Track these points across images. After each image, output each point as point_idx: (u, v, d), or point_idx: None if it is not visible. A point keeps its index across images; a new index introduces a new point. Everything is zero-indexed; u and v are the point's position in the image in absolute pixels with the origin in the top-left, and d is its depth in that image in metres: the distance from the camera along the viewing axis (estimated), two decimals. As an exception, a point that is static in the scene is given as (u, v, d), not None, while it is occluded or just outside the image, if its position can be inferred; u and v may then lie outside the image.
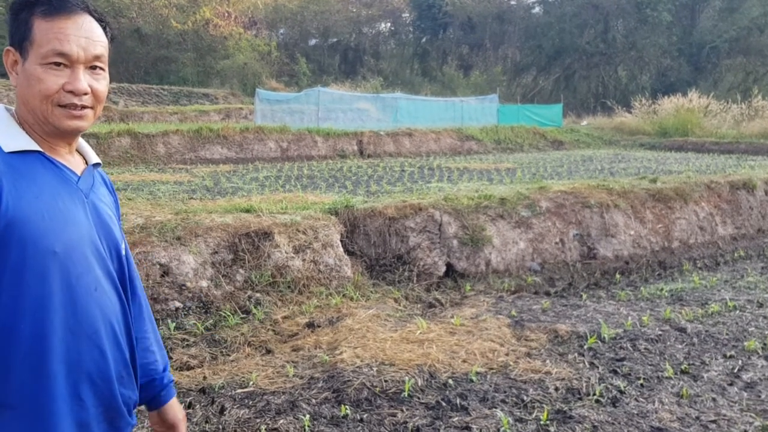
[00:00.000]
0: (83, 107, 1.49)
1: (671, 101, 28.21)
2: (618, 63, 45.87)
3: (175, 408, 1.80)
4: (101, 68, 1.53)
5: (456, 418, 3.59)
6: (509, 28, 50.95)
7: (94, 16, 1.52)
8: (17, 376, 1.37)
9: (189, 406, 3.74)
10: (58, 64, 1.45)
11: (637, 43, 43.37)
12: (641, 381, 4.15)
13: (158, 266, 5.28)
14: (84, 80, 1.48)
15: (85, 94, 1.49)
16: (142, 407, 1.79)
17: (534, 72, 49.36)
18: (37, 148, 1.47)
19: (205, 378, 4.13)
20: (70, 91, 1.46)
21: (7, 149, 1.42)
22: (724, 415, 3.69)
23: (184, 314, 5.14)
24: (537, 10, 51.59)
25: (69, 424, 1.43)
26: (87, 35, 1.48)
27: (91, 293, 1.48)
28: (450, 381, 4.06)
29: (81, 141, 1.61)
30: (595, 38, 45.06)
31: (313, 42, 52.16)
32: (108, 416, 1.53)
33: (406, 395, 3.84)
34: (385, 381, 4.00)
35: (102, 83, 1.53)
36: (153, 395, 1.76)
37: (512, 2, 52.54)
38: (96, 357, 1.49)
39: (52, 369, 1.41)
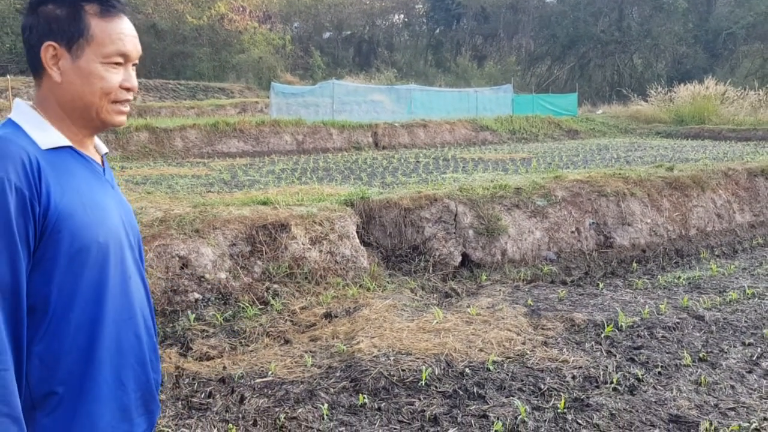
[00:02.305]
0: (128, 102, 1.58)
1: (687, 89, 27.89)
2: (633, 51, 45.38)
3: None
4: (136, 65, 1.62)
5: (473, 407, 3.62)
6: (523, 17, 50.55)
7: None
8: (66, 364, 1.42)
9: (209, 395, 3.80)
10: (117, 63, 1.52)
11: (652, 31, 42.86)
12: (659, 369, 4.14)
13: (177, 258, 5.35)
14: (134, 77, 1.58)
15: (135, 89, 1.58)
16: None
17: (548, 61, 48.97)
18: (68, 143, 1.51)
19: (224, 368, 4.19)
20: (127, 88, 1.54)
21: (43, 146, 1.45)
22: (743, 403, 3.69)
23: (204, 305, 5.21)
24: (551, -2, 51.18)
25: (113, 410, 1.49)
26: (135, 34, 1.57)
27: (127, 280, 1.55)
28: (467, 370, 4.09)
29: None
30: (610, 26, 44.60)
31: (327, 35, 52.11)
32: (144, 400, 1.59)
33: (423, 384, 3.87)
34: (403, 370, 4.04)
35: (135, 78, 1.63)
36: None
37: (526, -9, 52.12)
38: (133, 342, 1.55)
39: (100, 356, 1.46)
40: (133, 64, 1.59)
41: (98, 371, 1.46)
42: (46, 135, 1.47)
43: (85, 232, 1.43)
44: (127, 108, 1.58)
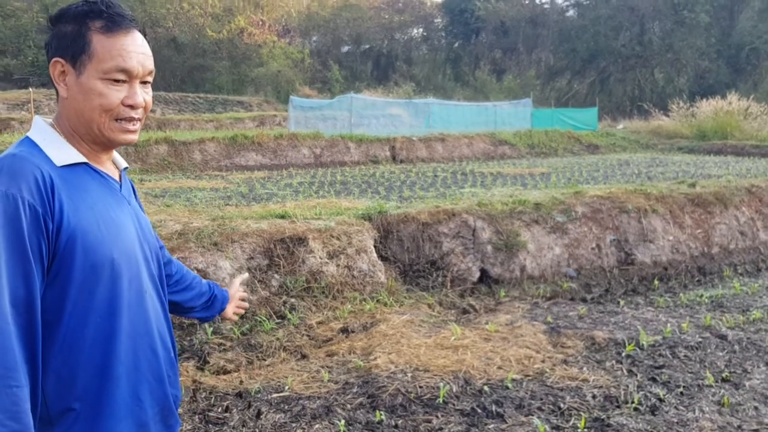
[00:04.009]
0: (137, 121, 1.55)
1: (710, 104, 27.63)
2: (654, 65, 45.12)
3: (229, 290, 2.16)
4: (149, 82, 1.59)
5: (492, 426, 3.57)
6: (543, 31, 50.53)
7: (141, 32, 1.56)
8: (82, 380, 1.42)
9: (226, 409, 3.78)
10: (118, 80, 1.49)
11: (674, 45, 42.61)
12: (681, 389, 4.07)
13: (196, 271, 5.35)
14: (140, 95, 1.54)
15: (141, 107, 1.54)
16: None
17: (568, 75, 48.85)
18: (84, 159, 1.52)
19: (241, 382, 4.18)
20: (129, 106, 1.51)
21: (58, 163, 1.46)
22: (767, 425, 3.61)
23: (221, 319, 5.20)
24: (571, 13, 51.12)
25: (130, 425, 1.49)
26: (143, 51, 1.53)
27: (143, 295, 1.54)
28: (485, 388, 4.04)
29: None
30: (631, 40, 44.40)
31: (345, 49, 52.45)
32: (162, 415, 1.59)
33: (441, 401, 3.83)
34: (420, 387, 4.00)
35: (149, 96, 1.59)
36: (221, 296, 2.10)
37: (545, 6, 52.15)
38: (150, 358, 1.55)
39: (116, 372, 1.46)
40: (144, 81, 1.56)
41: (115, 387, 1.45)
42: (62, 152, 1.48)
43: (99, 248, 1.43)
44: (134, 126, 1.54)
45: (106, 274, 1.44)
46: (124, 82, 1.50)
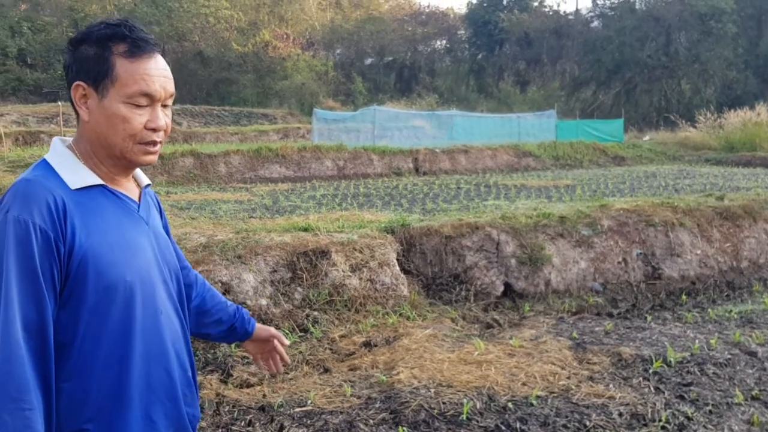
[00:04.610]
0: (159, 143, 1.55)
1: (738, 115, 27.24)
2: (681, 76, 44.62)
3: (263, 327, 2.03)
4: (170, 105, 1.59)
5: (516, 443, 3.52)
6: (567, 42, 50.32)
7: (162, 54, 1.57)
8: (95, 401, 1.43)
9: (249, 423, 3.79)
10: (140, 104, 1.50)
11: (701, 56, 42.12)
12: (709, 407, 3.98)
13: (220, 284, 5.39)
14: (162, 118, 1.54)
15: (163, 130, 1.55)
16: None
17: (593, 86, 48.52)
18: (100, 182, 1.52)
19: (264, 396, 4.18)
20: (152, 129, 1.52)
21: (73, 187, 1.47)
22: (802, 446, 3.51)
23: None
24: (596, 23, 50.82)
25: None
26: (165, 75, 1.54)
27: (158, 317, 1.54)
28: (509, 404, 3.99)
29: None
30: (657, 51, 43.97)
31: (369, 61, 52.74)
32: None
33: (464, 418, 3.79)
34: (443, 403, 3.97)
35: (170, 118, 1.59)
36: (242, 329, 1.97)
37: (570, 16, 51.95)
38: (164, 379, 1.54)
39: (129, 394, 1.46)
40: (164, 105, 1.56)
41: (128, 409, 1.46)
42: (77, 175, 1.49)
43: (112, 271, 1.44)
44: (155, 148, 1.54)
45: (120, 296, 1.44)
46: (146, 106, 1.51)
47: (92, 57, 1.49)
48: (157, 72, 1.51)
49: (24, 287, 1.34)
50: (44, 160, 1.52)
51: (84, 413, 1.41)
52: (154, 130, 1.52)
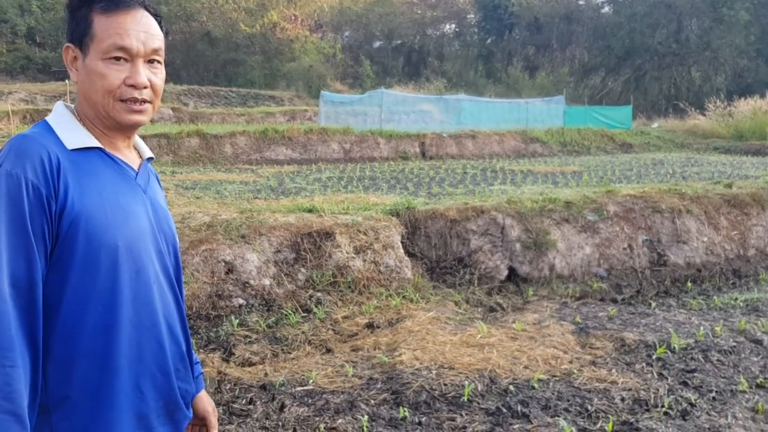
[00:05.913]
0: (143, 101, 1.51)
1: (748, 103, 27.01)
2: (691, 63, 44.24)
3: (204, 400, 1.77)
4: (159, 62, 1.55)
5: (517, 426, 3.52)
6: (577, 28, 49.87)
7: (150, 11, 1.53)
8: (81, 369, 1.40)
9: (250, 401, 3.79)
10: (118, 58, 1.47)
11: (712, 43, 41.70)
12: (713, 394, 3.96)
13: (223, 263, 5.39)
14: (144, 74, 1.50)
15: (145, 87, 1.50)
16: None
17: (602, 73, 48.16)
18: (97, 144, 1.50)
19: (266, 375, 4.19)
20: (131, 85, 1.48)
21: (69, 147, 1.45)
22: (804, 434, 3.49)
23: (247, 311, 5.23)
24: (606, 9, 50.37)
25: (129, 417, 1.46)
26: (145, 29, 1.50)
27: (151, 287, 1.51)
28: (511, 387, 3.98)
29: (136, 137, 1.64)
30: (668, 38, 43.56)
31: (377, 44, 52.43)
32: (167, 409, 1.55)
33: (465, 400, 3.78)
34: (445, 384, 3.96)
35: (159, 77, 1.55)
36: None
37: (581, 2, 51.43)
38: (155, 350, 1.51)
39: (117, 363, 1.44)
40: (153, 61, 1.52)
41: (115, 378, 1.43)
42: (75, 135, 1.47)
43: (103, 234, 1.41)
44: (140, 107, 1.50)
45: (109, 261, 1.41)
46: (125, 61, 1.47)
47: (77, 18, 1.49)
48: (134, 26, 1.48)
49: (13, 243, 1.31)
50: (45, 120, 1.51)
51: (70, 380, 1.39)
52: (134, 86, 1.48)
